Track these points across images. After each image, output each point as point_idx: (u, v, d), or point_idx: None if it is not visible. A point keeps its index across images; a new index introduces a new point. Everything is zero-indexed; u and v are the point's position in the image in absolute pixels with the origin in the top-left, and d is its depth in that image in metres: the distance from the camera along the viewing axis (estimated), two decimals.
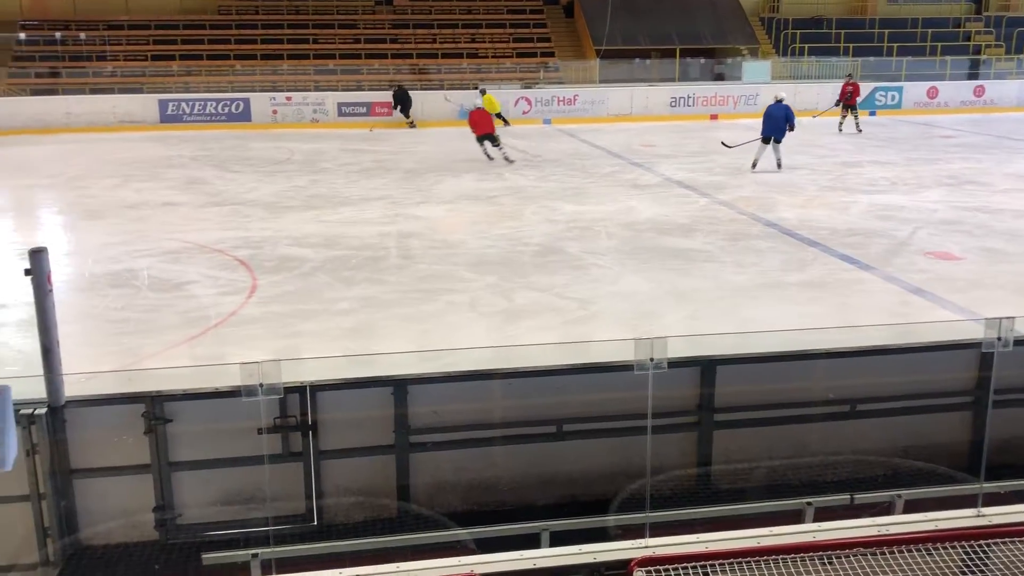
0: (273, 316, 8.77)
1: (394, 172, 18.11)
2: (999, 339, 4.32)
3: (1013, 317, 4.38)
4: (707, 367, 5.62)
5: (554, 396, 5.55)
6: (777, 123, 17.04)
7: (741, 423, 5.67)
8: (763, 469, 5.30)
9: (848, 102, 24.22)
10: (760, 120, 17.74)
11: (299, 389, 5.08)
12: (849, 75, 26.00)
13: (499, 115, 21.81)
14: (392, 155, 20.79)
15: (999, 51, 33.24)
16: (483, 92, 21.85)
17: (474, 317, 8.81)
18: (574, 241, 11.78)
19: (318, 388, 5.14)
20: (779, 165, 17.18)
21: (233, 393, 4.37)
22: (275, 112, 26.94)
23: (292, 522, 5.27)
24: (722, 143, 18.90)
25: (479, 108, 19.21)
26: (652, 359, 3.98)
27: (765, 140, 17.24)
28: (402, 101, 26.47)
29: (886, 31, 33.22)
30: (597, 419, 5.41)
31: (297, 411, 5.16)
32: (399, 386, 5.27)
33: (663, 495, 4.90)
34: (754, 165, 17.19)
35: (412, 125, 26.66)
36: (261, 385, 3.84)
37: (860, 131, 23.83)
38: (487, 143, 18.98)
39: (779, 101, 17.50)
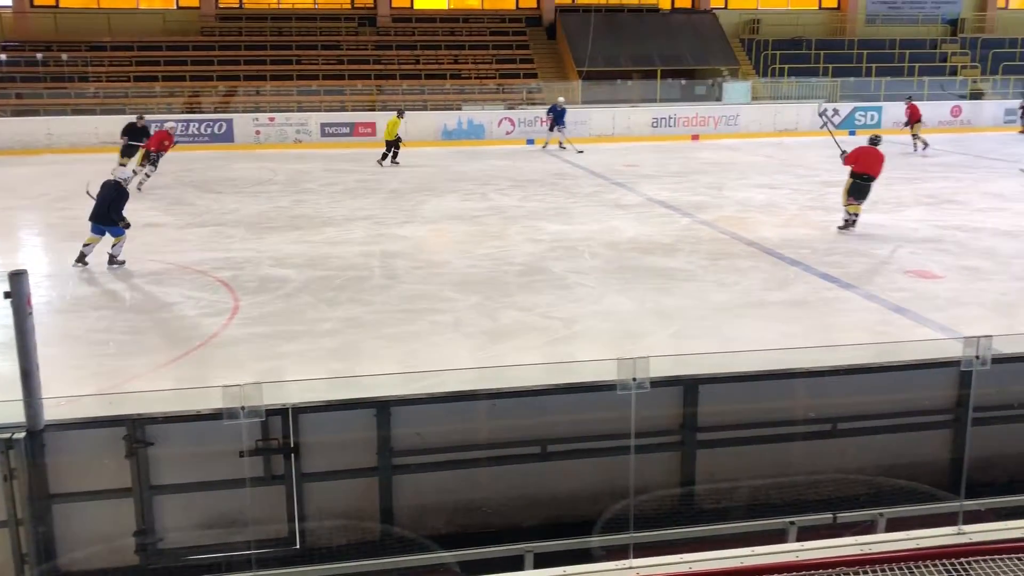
0: (255, 337, 8.73)
1: (378, 192, 18.12)
2: (977, 357, 4.37)
3: (991, 336, 4.44)
4: (690, 386, 5.64)
5: (538, 416, 5.55)
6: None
7: (724, 442, 5.69)
8: (746, 488, 5.32)
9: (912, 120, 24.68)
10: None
11: (281, 411, 5.06)
12: (909, 97, 26.30)
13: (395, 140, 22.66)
14: (376, 176, 20.81)
15: (975, 72, 33.72)
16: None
17: (458, 337, 8.80)
18: (558, 261, 11.82)
19: (301, 410, 5.12)
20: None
21: (215, 416, 4.35)
22: (258, 133, 26.94)
23: (274, 545, 5.23)
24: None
25: None
26: (635, 379, 4.00)
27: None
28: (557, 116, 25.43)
29: (865, 52, 33.63)
30: (581, 439, 5.41)
31: (279, 433, 5.14)
32: (382, 408, 5.25)
33: (647, 515, 4.89)
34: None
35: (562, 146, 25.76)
36: (243, 408, 3.83)
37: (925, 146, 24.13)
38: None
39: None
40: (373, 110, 28.28)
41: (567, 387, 5.32)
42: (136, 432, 5.05)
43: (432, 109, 28.76)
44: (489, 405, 5.49)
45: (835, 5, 36.22)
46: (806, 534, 4.47)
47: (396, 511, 5.42)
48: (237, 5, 32.83)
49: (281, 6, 33.05)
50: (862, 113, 29.98)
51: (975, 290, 10.31)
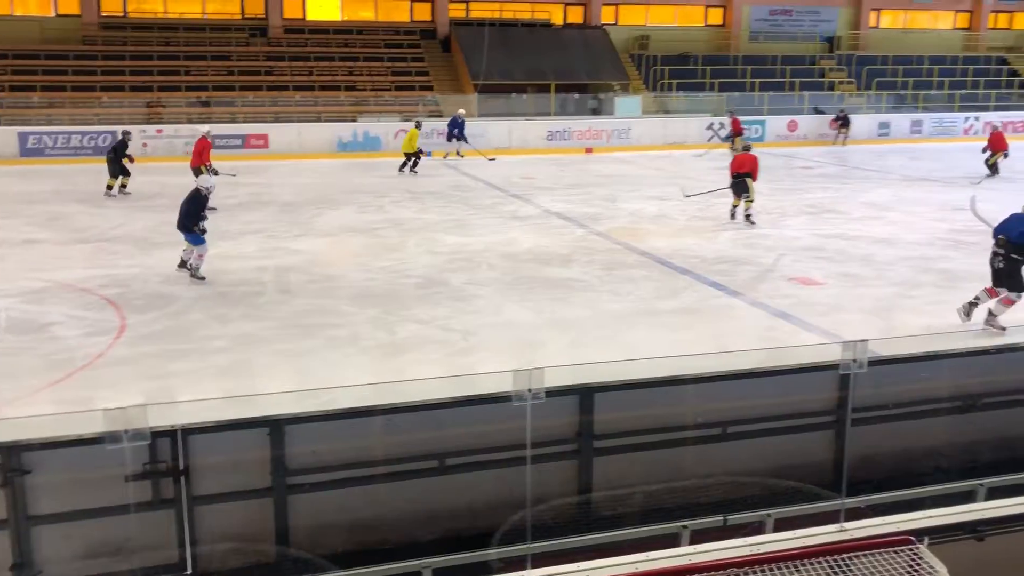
0: (143, 357, 8.42)
1: (272, 205, 17.77)
2: (854, 361, 4.58)
3: (866, 340, 4.66)
4: (585, 395, 5.72)
5: (436, 430, 5.54)
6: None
7: (619, 449, 5.79)
8: (641, 494, 5.42)
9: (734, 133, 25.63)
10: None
11: (170, 433, 4.89)
12: (731, 111, 27.37)
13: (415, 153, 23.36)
14: (269, 188, 20.40)
15: (851, 87, 35.44)
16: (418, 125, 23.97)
17: (355, 352, 8.70)
18: (456, 272, 11.82)
19: (190, 431, 4.96)
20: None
21: (96, 441, 4.17)
22: (145, 145, 26.01)
23: (164, 572, 5.05)
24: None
25: None
26: (530, 389, 4.04)
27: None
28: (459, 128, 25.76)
29: (749, 68, 34.92)
30: (479, 451, 5.42)
31: (168, 456, 4.96)
32: (276, 426, 5.14)
33: (545, 525, 4.93)
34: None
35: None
36: (126, 431, 3.68)
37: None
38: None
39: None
40: (265, 122, 27.75)
41: (464, 400, 5.32)
42: (11, 460, 4.79)
43: (326, 121, 28.40)
44: (386, 420, 5.44)
45: (720, 22, 37.51)
46: (699, 537, 4.59)
47: (292, 531, 5.31)
48: (121, 14, 31.68)
49: (168, 16, 32.08)
50: (747, 126, 31.06)
51: (855, 295, 10.80)
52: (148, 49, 30.19)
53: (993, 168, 22.36)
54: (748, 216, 15.62)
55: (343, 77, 30.89)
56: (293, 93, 29.61)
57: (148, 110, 27.74)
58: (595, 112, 31.61)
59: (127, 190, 19.33)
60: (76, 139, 25.62)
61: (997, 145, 22.60)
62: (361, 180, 21.88)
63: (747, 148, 16.61)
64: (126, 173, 19.35)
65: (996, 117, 34.32)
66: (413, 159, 23.20)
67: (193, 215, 11.27)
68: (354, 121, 28.33)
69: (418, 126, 23.80)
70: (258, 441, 5.19)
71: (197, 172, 17.86)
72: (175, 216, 11.48)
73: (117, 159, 19.36)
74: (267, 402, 5.84)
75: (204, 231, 11.35)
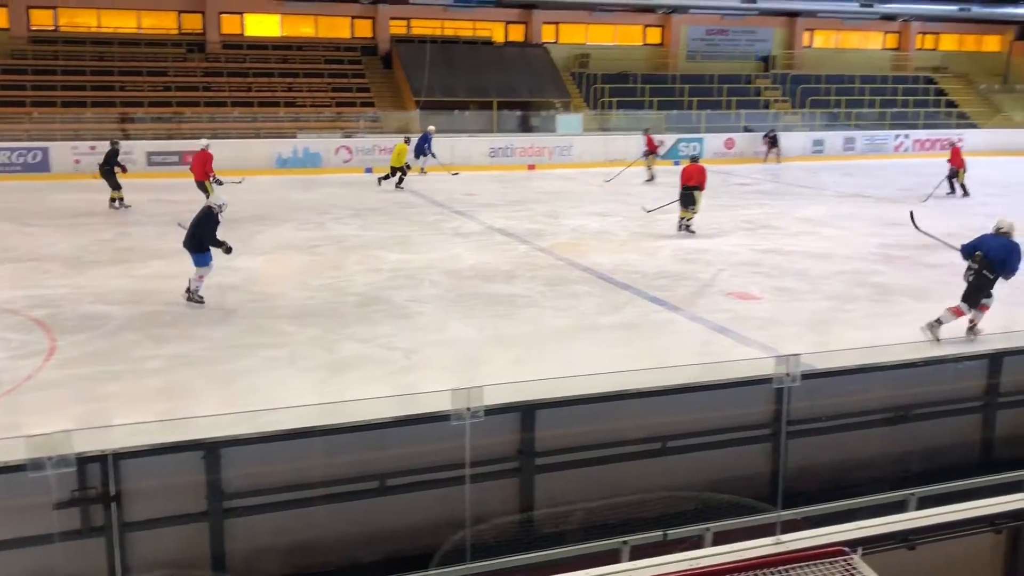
0: (75, 379, 8.20)
1: None
2: (788, 375, 4.67)
3: (799, 354, 4.75)
4: (527, 412, 5.72)
5: (376, 450, 5.48)
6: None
7: (561, 466, 5.80)
8: (582, 511, 5.43)
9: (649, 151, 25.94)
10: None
11: (100, 458, 4.76)
12: (646, 129, 27.72)
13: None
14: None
15: (786, 105, 36.29)
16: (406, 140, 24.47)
17: (295, 372, 8.59)
18: (398, 290, 11.76)
19: (122, 456, 4.83)
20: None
21: (19, 468, 4.03)
22: (78, 162, 25.37)
23: None
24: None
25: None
26: (468, 408, 4.02)
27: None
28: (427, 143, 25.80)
29: (686, 86, 35.53)
30: (420, 471, 5.38)
31: (98, 482, 4.82)
32: (211, 449, 5.04)
33: (486, 544, 4.91)
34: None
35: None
36: (50, 458, 3.57)
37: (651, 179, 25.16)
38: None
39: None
40: (204, 138, 27.30)
41: (404, 419, 5.28)
42: None
43: (266, 137, 28.08)
44: (326, 441, 5.37)
45: (659, 42, 38.12)
46: (639, 552, 4.62)
47: (229, 556, 5.20)
48: (52, 27, 30.97)
49: (102, 30, 31.43)
50: (685, 144, 31.61)
51: (790, 309, 11.02)
52: (80, 64, 29.53)
53: (956, 186, 21.85)
54: (688, 226, 16.27)
55: (283, 93, 30.62)
56: (231, 109, 29.23)
57: (78, 126, 27.10)
58: (537, 129, 31.81)
59: (125, 203, 19.46)
60: (4, 155, 24.90)
61: (958, 162, 22.02)
62: (301, 197, 21.67)
63: (695, 159, 17.24)
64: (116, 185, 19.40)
65: (924, 135, 35.48)
66: (400, 174, 23.49)
67: (208, 235, 10.93)
68: (294, 137, 28.08)
69: (407, 141, 24.28)
70: (193, 465, 5.08)
71: (202, 186, 18.55)
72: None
73: (111, 170, 19.36)
74: (202, 425, 5.72)
75: (230, 250, 10.99)
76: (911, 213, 11.63)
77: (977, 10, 36.09)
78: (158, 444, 4.95)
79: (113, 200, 19.41)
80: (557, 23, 36.29)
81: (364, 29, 34.32)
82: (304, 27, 33.88)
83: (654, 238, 15.92)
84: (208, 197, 17.33)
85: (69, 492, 4.69)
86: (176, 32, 32.33)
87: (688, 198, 16.29)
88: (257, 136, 28.11)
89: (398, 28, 34.37)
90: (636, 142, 30.80)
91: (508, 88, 32.37)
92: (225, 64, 31.25)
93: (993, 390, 6.91)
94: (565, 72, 34.86)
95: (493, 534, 5.07)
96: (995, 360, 6.84)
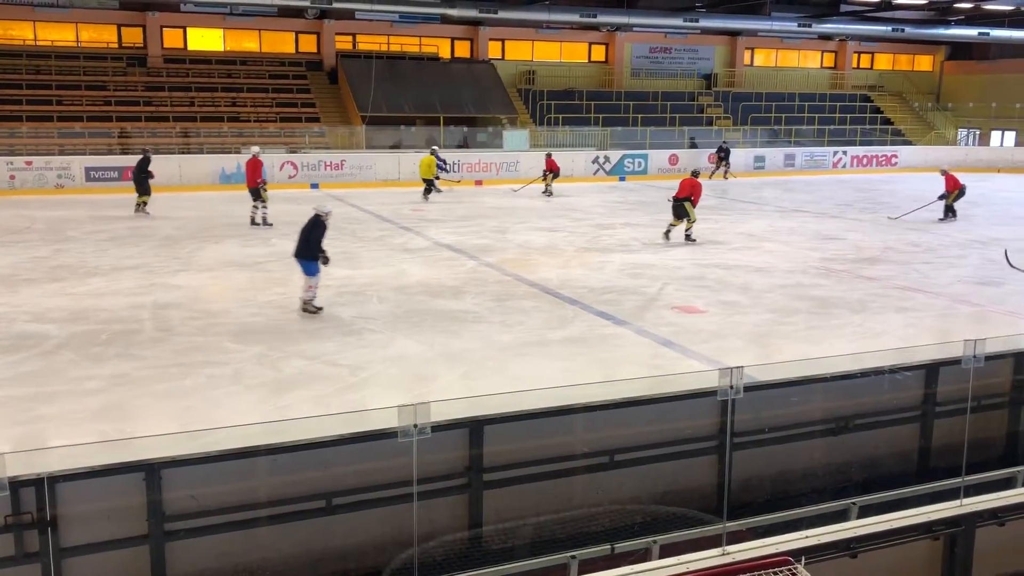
0: (9, 400, 7.95)
1: (150, 239, 17.15)
2: (731, 387, 4.73)
3: (742, 367, 4.82)
4: (475, 428, 5.70)
5: (322, 469, 5.41)
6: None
7: (510, 481, 5.79)
8: (530, 526, 5.43)
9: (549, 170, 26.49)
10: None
11: (35, 482, 4.62)
12: (549, 153, 28.12)
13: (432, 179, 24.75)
14: (149, 222, 19.69)
15: (728, 122, 36.95)
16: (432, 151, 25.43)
17: (239, 390, 8.44)
18: (345, 306, 11.66)
19: (58, 479, 4.70)
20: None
21: None
22: (13, 177, 24.76)
23: None
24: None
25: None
26: (415, 425, 4.00)
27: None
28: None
29: (631, 103, 35.99)
30: (367, 489, 5.33)
31: (33, 506, 4.68)
32: (152, 470, 4.93)
33: (435, 561, 4.88)
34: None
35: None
36: None
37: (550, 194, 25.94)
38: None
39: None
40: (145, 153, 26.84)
41: (350, 437, 5.23)
42: None
43: (209, 152, 27.70)
44: (270, 461, 5.29)
45: (603, 59, 38.55)
46: (587, 566, 4.63)
47: None
48: None
49: (39, 43, 30.74)
50: (630, 160, 31.97)
51: (734, 323, 11.17)
52: (16, 78, 28.83)
53: (950, 210, 21.10)
54: (688, 235, 17.20)
55: (226, 108, 30.26)
56: (174, 124, 28.78)
57: (13, 140, 26.44)
58: (484, 145, 31.86)
59: (146, 209, 20.62)
60: None
61: (953, 185, 21.19)
62: (245, 213, 21.34)
63: (695, 174, 18.00)
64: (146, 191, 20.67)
65: (862, 151, 36.41)
66: (430, 186, 24.55)
67: (316, 243, 11.11)
68: (238, 153, 27.73)
69: (432, 152, 25.13)
70: (133, 487, 4.96)
71: (255, 193, 19.31)
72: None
73: (144, 177, 20.61)
74: (144, 445, 5.59)
75: (328, 260, 11.23)
76: (1005, 252, 11.60)
77: (910, 31, 37.19)
78: (96, 466, 4.83)
79: (139, 205, 20.57)
80: (503, 40, 36.50)
81: (309, 44, 34.11)
82: (248, 42, 33.54)
83: (600, 252, 16.05)
84: (262, 203, 19.29)
85: (2, 517, 4.54)
86: (116, 46, 31.75)
87: (680, 209, 17.18)
88: (200, 151, 27.70)
89: (344, 43, 34.24)
90: (583, 157, 31.18)
91: (455, 104, 32.42)
92: (167, 79, 30.78)
93: (930, 400, 7.09)
94: (511, 88, 35.05)
95: (441, 551, 5.04)
96: (931, 371, 7.02)
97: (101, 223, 19.28)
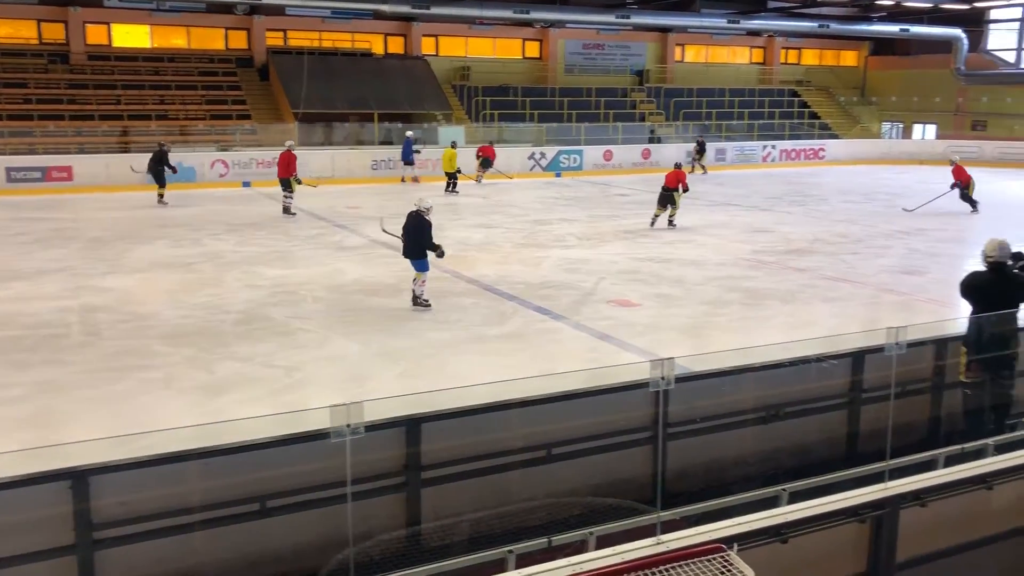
0: None
1: (76, 241, 16.70)
2: (663, 378, 4.81)
3: (673, 358, 4.90)
4: (412, 426, 5.68)
5: (256, 472, 5.33)
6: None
7: (447, 478, 5.78)
8: (468, 522, 5.44)
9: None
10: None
11: None
12: (490, 141, 28.76)
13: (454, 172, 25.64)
14: (74, 223, 19.16)
15: (660, 118, 37.42)
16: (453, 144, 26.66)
17: (171, 394, 8.30)
18: (279, 307, 11.53)
19: None
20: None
21: None
22: None
23: None
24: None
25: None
26: (348, 425, 3.98)
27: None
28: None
29: (566, 99, 36.19)
30: (301, 491, 5.27)
31: None
32: (79, 478, 4.80)
33: (372, 561, 4.85)
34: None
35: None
36: None
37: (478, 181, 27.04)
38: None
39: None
40: (69, 153, 26.11)
41: (283, 439, 5.16)
42: None
43: (137, 151, 27.01)
44: (203, 464, 5.19)
45: (537, 55, 38.69)
46: (524, 560, 4.66)
47: None
48: None
49: None
50: (566, 156, 32.16)
51: (668, 315, 11.36)
52: None
53: (971, 200, 21.35)
54: (671, 222, 18.79)
55: (154, 106, 29.58)
56: (99, 123, 28.02)
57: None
58: (419, 142, 31.69)
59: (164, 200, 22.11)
60: None
61: (963, 176, 21.39)
62: (175, 213, 20.94)
63: (678, 166, 19.75)
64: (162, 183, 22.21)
65: (790, 145, 37.21)
66: (453, 179, 25.35)
67: (426, 240, 11.23)
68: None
69: (453, 146, 26.27)
70: (59, 496, 4.82)
71: (286, 183, 20.37)
72: None
73: (161, 170, 22.10)
74: (71, 452, 5.44)
75: (443, 254, 11.46)
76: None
77: (835, 27, 38.14)
78: (18, 476, 4.68)
79: (161, 196, 22.15)
80: (437, 36, 36.36)
81: (239, 40, 33.52)
82: (176, 38, 32.81)
83: (537, 248, 16.13)
84: (292, 194, 20.37)
85: None
86: (37, 42, 30.76)
87: (666, 198, 18.65)
88: (127, 150, 27.02)
89: (275, 39, 33.73)
90: (519, 154, 31.26)
91: (388, 100, 32.19)
92: (91, 76, 29.93)
93: (856, 387, 7.28)
94: (446, 84, 34.94)
95: (378, 551, 5.01)
96: (857, 358, 7.21)
97: (23, 224, 18.72)
